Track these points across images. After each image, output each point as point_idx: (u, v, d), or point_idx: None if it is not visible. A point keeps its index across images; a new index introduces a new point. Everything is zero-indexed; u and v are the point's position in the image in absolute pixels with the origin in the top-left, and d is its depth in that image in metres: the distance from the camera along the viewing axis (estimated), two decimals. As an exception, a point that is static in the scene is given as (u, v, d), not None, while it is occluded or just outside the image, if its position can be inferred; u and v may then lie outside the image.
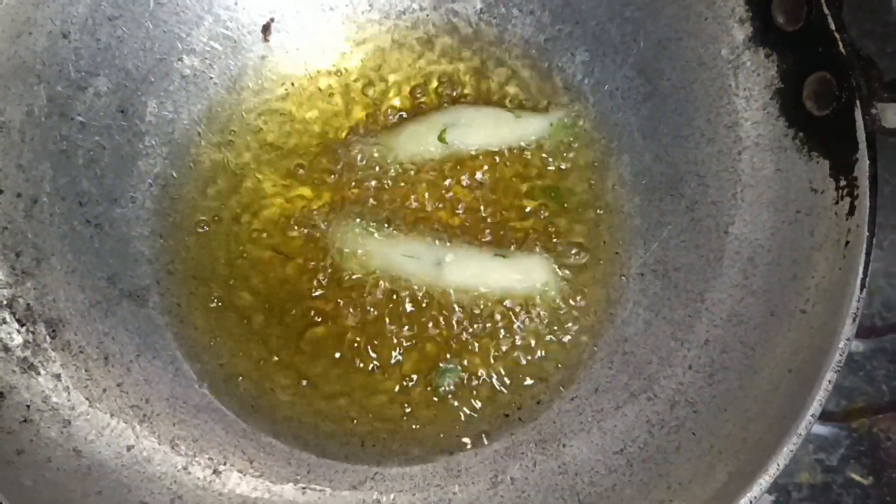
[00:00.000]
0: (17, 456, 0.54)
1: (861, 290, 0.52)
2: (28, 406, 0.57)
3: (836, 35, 0.56)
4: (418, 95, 0.73)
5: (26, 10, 0.63)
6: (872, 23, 0.66)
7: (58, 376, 0.60)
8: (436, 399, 0.66)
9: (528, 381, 0.66)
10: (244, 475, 0.61)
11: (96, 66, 0.67)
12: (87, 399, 0.60)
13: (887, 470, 0.76)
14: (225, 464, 0.62)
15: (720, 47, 0.65)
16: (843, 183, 0.56)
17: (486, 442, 0.64)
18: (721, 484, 0.52)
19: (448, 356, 0.66)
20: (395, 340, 0.67)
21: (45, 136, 0.65)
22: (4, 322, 0.59)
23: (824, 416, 0.75)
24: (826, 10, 0.56)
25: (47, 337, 0.61)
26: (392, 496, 0.62)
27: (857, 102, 0.55)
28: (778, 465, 0.49)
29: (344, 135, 0.72)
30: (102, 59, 0.68)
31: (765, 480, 0.49)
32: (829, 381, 0.51)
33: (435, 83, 0.73)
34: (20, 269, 0.61)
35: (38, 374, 0.59)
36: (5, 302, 0.60)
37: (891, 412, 0.77)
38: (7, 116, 0.63)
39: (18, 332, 0.59)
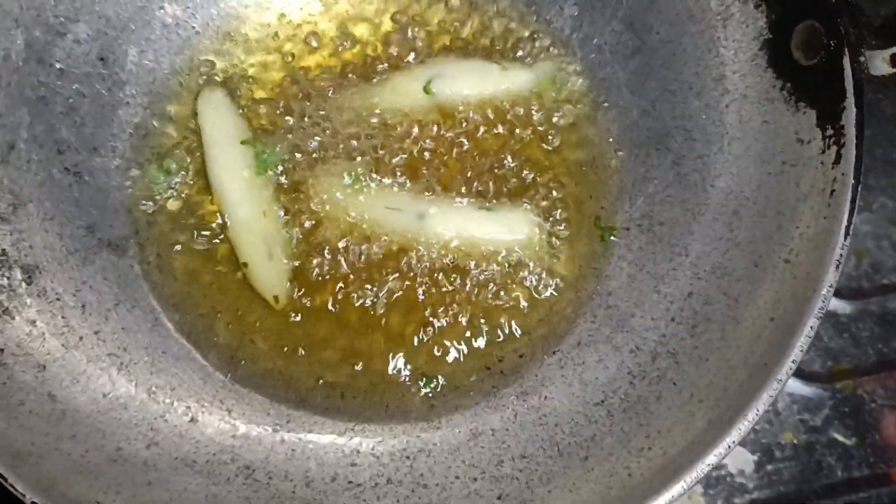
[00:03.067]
0: (-12, 399, 0.53)
1: (845, 238, 0.51)
2: (2, 350, 0.56)
3: (826, -18, 0.55)
4: (403, 45, 0.72)
5: (2, -48, 0.62)
6: None
7: (33, 322, 0.59)
8: (418, 351, 0.65)
9: (511, 335, 0.65)
10: (222, 423, 0.61)
11: (76, 12, 0.66)
12: (62, 346, 0.59)
13: (871, 431, 0.75)
14: (203, 412, 0.61)
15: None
16: (829, 132, 0.55)
17: (468, 394, 0.64)
18: (700, 430, 0.51)
19: (426, 309, 0.66)
20: (378, 293, 0.66)
21: (22, 81, 0.63)
22: (-22, 266, 0.58)
23: (809, 377, 0.75)
24: (815, -43, 0.55)
25: (23, 283, 0.60)
26: (372, 446, 0.61)
27: (846, 50, 0.54)
28: (757, 410, 0.49)
29: (328, 85, 0.71)
30: (82, 5, 0.66)
31: (744, 426, 0.49)
32: (812, 328, 0.50)
33: (421, 33, 0.72)
34: (-5, 215, 0.60)
35: (13, 318, 0.58)
36: (-21, 246, 0.59)
37: (876, 374, 0.77)
38: (-17, 59, 0.62)
39: (-7, 275, 0.59)
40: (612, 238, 0.67)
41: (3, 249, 0.60)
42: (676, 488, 0.48)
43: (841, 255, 0.51)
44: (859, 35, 0.54)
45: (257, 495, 0.56)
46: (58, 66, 0.66)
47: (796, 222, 0.56)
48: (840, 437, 0.75)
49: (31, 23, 0.64)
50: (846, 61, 0.54)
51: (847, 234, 0.51)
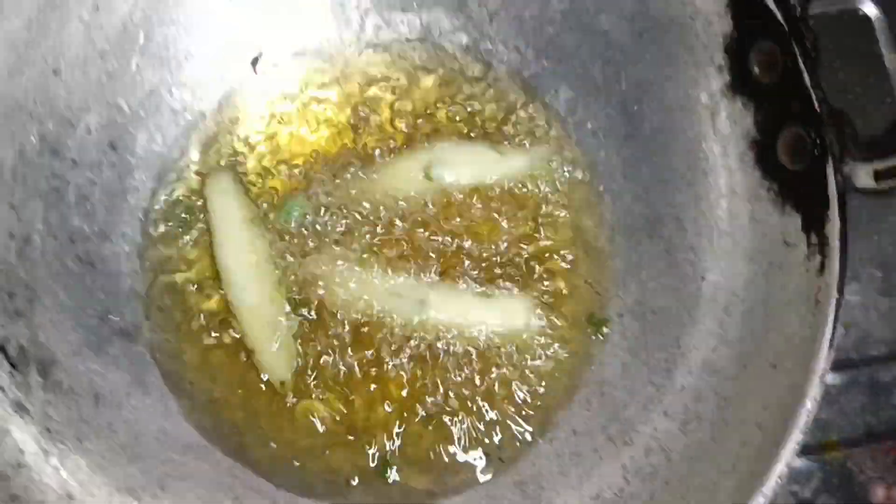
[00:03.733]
0: (11, 503, 0.56)
1: (829, 349, 0.53)
2: (21, 450, 0.59)
3: (812, 92, 0.57)
4: (403, 129, 0.74)
5: (18, 49, 0.64)
6: (850, 79, 0.66)
7: (49, 417, 0.61)
8: (419, 438, 0.67)
9: (509, 422, 0.68)
10: (231, 513, 0.63)
11: (87, 102, 0.69)
12: (77, 440, 0.62)
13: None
14: (212, 501, 0.63)
15: (699, 93, 0.66)
16: (814, 239, 0.57)
17: (467, 481, 0.66)
18: (691, 538, 0.54)
19: (427, 396, 0.68)
20: (380, 378, 0.68)
21: (36, 174, 0.66)
22: (-2, 365, 0.60)
23: (799, 450, 0.77)
24: (802, 67, 0.57)
25: (39, 378, 0.62)
26: (376, 534, 0.64)
27: (830, 161, 0.56)
28: (744, 523, 0.51)
29: (331, 169, 0.73)
30: (93, 95, 0.69)
31: (730, 538, 0.51)
32: (797, 444, 0.52)
33: (420, 117, 0.74)
34: (13, 310, 0.62)
35: (31, 416, 0.60)
36: (-1, 344, 0.61)
37: (864, 446, 0.79)
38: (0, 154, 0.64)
39: (11, 374, 0.61)
40: (604, 330, 0.69)
41: (21, 346, 0.62)
42: None
43: (825, 369, 0.53)
44: (844, 146, 0.56)
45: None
46: (70, 156, 0.68)
47: (783, 326, 0.58)
48: (830, 510, 0.77)
49: (45, 115, 0.66)
50: (829, 171, 0.56)
51: (831, 345, 0.53)
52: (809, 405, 0.53)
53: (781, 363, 0.57)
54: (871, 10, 0.68)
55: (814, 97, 0.56)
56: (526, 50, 0.74)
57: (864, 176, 0.56)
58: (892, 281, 0.81)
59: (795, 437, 0.52)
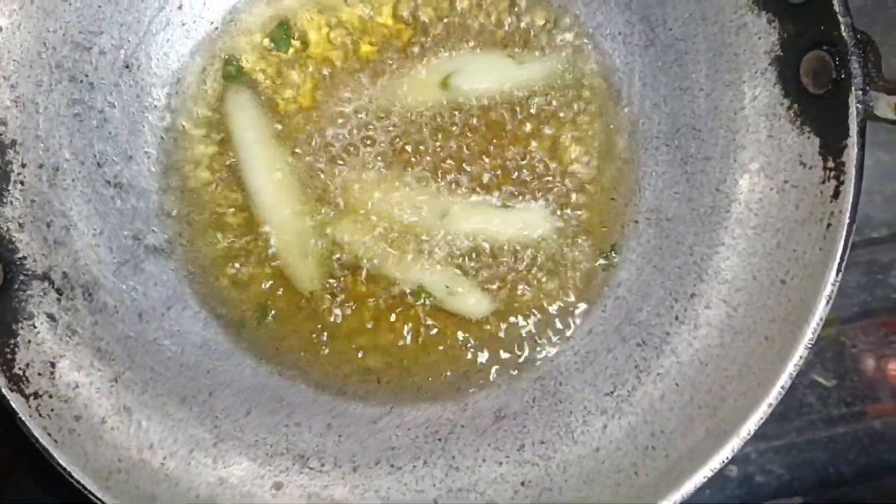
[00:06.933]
0: (75, 422, 0.61)
1: (837, 274, 0.57)
2: (77, 371, 0.63)
3: (840, 18, 0.56)
4: (418, 38, 0.73)
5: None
6: (878, 7, 0.65)
7: (100, 338, 0.65)
8: (444, 339, 0.72)
9: (527, 321, 0.72)
10: (273, 416, 0.68)
11: (98, 24, 0.68)
12: (128, 356, 0.66)
13: (850, 374, 0.84)
14: (255, 407, 0.68)
15: (723, 4, 0.65)
16: (830, 164, 0.58)
17: (490, 378, 0.71)
18: (699, 439, 0.59)
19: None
20: (403, 284, 0.72)
21: (57, 102, 0.66)
22: (45, 294, 0.63)
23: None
24: (831, -10, 0.56)
25: (84, 301, 0.65)
26: (408, 428, 0.69)
27: (852, 89, 0.56)
28: (749, 430, 0.56)
29: (346, 81, 0.73)
30: (103, 16, 0.68)
31: (736, 443, 0.56)
32: (801, 357, 0.57)
33: (434, 27, 0.73)
34: (52, 240, 0.65)
35: (82, 338, 0.64)
36: (42, 272, 0.64)
37: (858, 322, 0.84)
38: (20, 90, 0.64)
39: (58, 300, 0.64)
40: (620, 238, 0.71)
41: (64, 272, 0.65)
42: (676, 496, 0.56)
43: (832, 291, 0.56)
44: (868, 74, 0.56)
45: (314, 483, 0.65)
46: (87, 80, 0.68)
47: (793, 245, 0.60)
48: (821, 380, 0.84)
49: (59, 43, 0.66)
50: (852, 100, 0.56)
51: (839, 270, 0.57)
52: (815, 324, 0.57)
53: (791, 280, 0.60)
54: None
55: (841, 23, 0.56)
56: (542, -50, 0.72)
57: (884, 106, 0.56)
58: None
59: (800, 352, 0.57)
